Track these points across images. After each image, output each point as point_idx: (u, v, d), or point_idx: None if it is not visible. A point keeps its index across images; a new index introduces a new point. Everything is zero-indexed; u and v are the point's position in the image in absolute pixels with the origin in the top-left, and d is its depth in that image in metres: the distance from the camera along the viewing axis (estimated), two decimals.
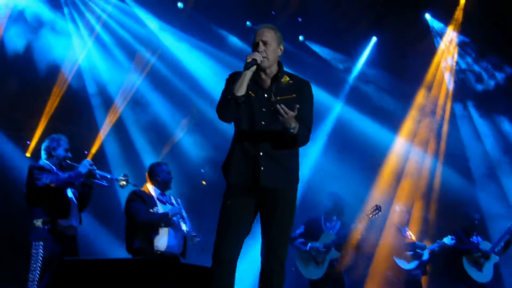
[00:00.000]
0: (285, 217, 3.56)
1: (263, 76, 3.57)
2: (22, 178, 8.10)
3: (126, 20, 9.06)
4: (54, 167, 5.21)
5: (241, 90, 3.42)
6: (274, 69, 3.60)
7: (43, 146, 5.35)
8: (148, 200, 5.56)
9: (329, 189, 7.42)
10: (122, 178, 5.42)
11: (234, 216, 3.50)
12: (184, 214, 5.74)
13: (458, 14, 9.71)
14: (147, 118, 9.22)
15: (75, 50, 8.59)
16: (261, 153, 3.47)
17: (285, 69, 3.67)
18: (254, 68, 3.47)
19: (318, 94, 10.12)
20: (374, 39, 10.20)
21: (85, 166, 5.14)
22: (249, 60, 3.45)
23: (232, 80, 3.53)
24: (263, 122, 3.50)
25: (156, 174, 5.76)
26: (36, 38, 8.22)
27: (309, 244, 6.71)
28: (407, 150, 9.77)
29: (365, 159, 9.46)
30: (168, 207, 5.67)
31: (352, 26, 9.60)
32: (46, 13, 8.35)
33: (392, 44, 9.86)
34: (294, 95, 3.56)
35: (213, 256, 3.49)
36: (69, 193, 5.22)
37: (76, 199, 5.26)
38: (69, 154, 5.34)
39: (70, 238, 5.10)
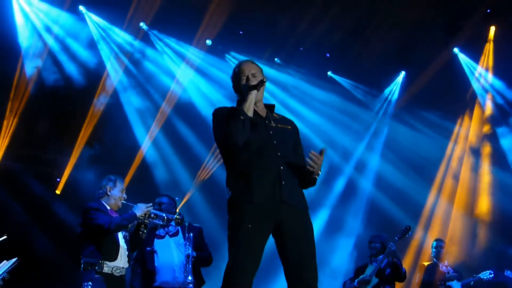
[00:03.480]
0: (313, 239, 3.36)
1: (256, 108, 3.51)
2: (52, 215, 8.24)
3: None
4: (108, 207, 5.17)
5: (250, 112, 3.39)
6: (262, 102, 3.60)
7: (100, 185, 5.31)
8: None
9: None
10: (178, 217, 5.34)
11: (255, 243, 3.25)
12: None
13: (488, 46, 9.63)
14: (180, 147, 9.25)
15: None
16: (281, 167, 3.37)
17: None
18: (257, 92, 3.44)
19: (344, 132, 10.08)
20: (402, 73, 10.17)
21: (140, 208, 5.09)
22: (256, 82, 3.43)
23: (224, 113, 3.46)
24: (274, 142, 3.43)
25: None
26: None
27: (356, 280, 6.74)
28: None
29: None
30: (171, 241, 5.64)
31: (380, 60, 9.55)
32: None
33: (421, 78, 9.79)
34: (289, 127, 3.60)
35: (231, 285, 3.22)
36: (120, 236, 5.16)
37: (126, 242, 5.21)
38: (125, 195, 5.30)
39: (118, 278, 5.02)
